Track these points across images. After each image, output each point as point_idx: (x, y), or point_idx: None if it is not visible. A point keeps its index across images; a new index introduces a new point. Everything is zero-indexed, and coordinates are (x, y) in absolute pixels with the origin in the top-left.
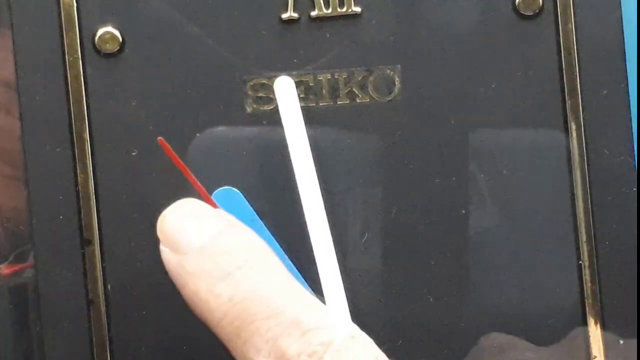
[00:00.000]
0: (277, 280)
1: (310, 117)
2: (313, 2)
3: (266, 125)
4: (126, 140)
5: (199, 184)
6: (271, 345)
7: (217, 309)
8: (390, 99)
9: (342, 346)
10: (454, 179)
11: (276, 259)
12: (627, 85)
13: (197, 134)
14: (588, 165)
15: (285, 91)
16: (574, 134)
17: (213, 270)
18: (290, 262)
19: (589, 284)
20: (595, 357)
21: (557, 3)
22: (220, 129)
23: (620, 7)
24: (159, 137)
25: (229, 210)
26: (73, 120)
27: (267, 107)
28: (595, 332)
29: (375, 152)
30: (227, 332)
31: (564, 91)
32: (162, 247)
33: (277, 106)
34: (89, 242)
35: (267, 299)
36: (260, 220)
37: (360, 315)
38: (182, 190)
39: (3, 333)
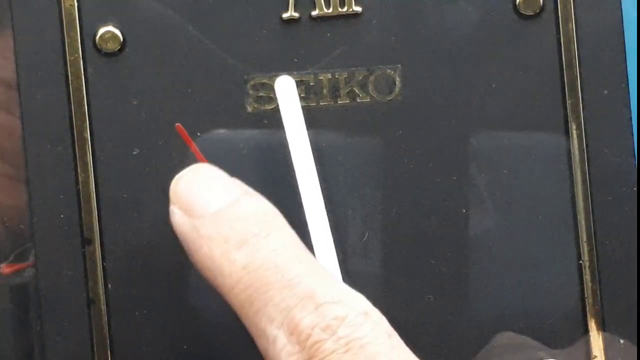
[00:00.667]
0: (294, 251)
1: (311, 117)
2: (314, 2)
3: (267, 125)
4: (127, 140)
5: None
6: (284, 315)
7: (231, 276)
8: (390, 98)
9: (356, 321)
10: (454, 178)
11: (292, 230)
12: (627, 85)
13: (198, 134)
14: (588, 165)
15: (286, 91)
16: (574, 134)
17: (229, 235)
18: None
19: (589, 284)
20: (595, 356)
21: (557, 3)
22: (221, 128)
23: (621, 7)
24: (177, 124)
25: None
26: (74, 119)
27: (267, 107)
28: (595, 332)
29: (376, 151)
30: (240, 300)
31: (565, 91)
32: (174, 210)
33: (277, 106)
34: (90, 241)
35: (283, 269)
36: None
37: None
38: None
39: (3, 332)
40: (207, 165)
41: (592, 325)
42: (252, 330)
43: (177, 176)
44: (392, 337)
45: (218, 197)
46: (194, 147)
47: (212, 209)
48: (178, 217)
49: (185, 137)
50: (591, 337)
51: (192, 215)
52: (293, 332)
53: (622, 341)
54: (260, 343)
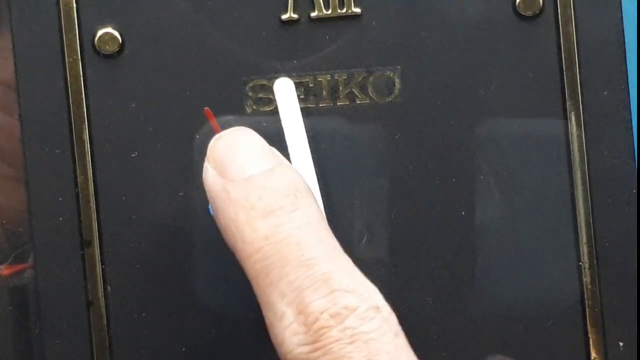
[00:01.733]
0: (318, 231)
1: (310, 118)
2: (313, 3)
3: (266, 127)
4: (126, 142)
5: None
6: (296, 294)
7: (251, 243)
8: (390, 100)
9: (365, 315)
10: (454, 180)
11: (320, 210)
12: (627, 86)
13: (197, 135)
14: (588, 166)
15: (285, 92)
16: (574, 135)
17: (256, 203)
18: None
19: (589, 286)
20: (594, 358)
21: (557, 4)
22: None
23: (621, 8)
24: (205, 108)
25: None
26: (73, 121)
27: (267, 108)
28: (595, 334)
29: (375, 153)
30: (255, 269)
31: (564, 92)
32: (208, 167)
33: (276, 107)
34: (89, 243)
35: (303, 247)
36: None
37: None
38: (182, 191)
39: (3, 333)
40: (248, 130)
41: (592, 327)
42: (262, 301)
43: (217, 135)
44: (398, 336)
45: (253, 163)
46: (215, 125)
47: (245, 174)
48: (211, 175)
49: (213, 123)
50: (590, 340)
51: (225, 176)
52: (302, 312)
53: (621, 343)
54: (267, 315)
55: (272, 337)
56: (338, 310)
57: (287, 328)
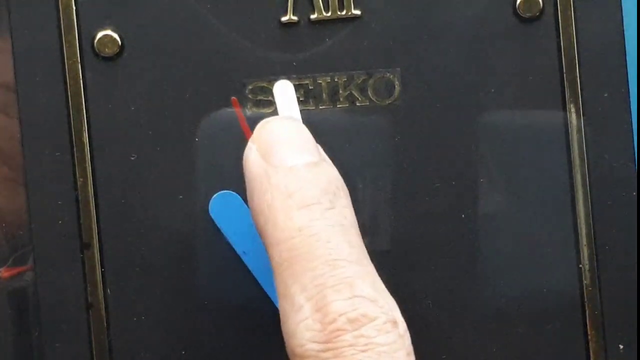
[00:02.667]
0: (350, 234)
1: (310, 121)
2: (313, 5)
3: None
4: (125, 144)
5: None
6: (318, 291)
7: (282, 231)
8: (390, 102)
9: (383, 327)
10: (454, 182)
11: (354, 214)
12: (627, 88)
13: (196, 138)
14: (588, 168)
15: (285, 94)
16: (575, 137)
17: (295, 194)
18: None
19: (589, 288)
20: None
21: (557, 6)
22: (220, 132)
23: (621, 10)
24: (232, 97)
25: (228, 213)
26: (72, 124)
27: (266, 110)
28: (594, 336)
29: (375, 155)
30: (281, 257)
31: (565, 94)
32: (252, 147)
33: (276, 109)
34: (88, 246)
35: (334, 246)
36: None
37: None
38: (182, 194)
39: (2, 336)
40: (298, 121)
41: (592, 330)
42: (280, 289)
43: (267, 119)
44: (409, 356)
45: (298, 154)
46: (245, 124)
47: (289, 163)
48: (254, 156)
49: (238, 113)
50: (590, 342)
51: (268, 160)
52: (320, 310)
53: (621, 346)
54: (283, 305)
55: (284, 327)
56: (357, 316)
57: (302, 322)
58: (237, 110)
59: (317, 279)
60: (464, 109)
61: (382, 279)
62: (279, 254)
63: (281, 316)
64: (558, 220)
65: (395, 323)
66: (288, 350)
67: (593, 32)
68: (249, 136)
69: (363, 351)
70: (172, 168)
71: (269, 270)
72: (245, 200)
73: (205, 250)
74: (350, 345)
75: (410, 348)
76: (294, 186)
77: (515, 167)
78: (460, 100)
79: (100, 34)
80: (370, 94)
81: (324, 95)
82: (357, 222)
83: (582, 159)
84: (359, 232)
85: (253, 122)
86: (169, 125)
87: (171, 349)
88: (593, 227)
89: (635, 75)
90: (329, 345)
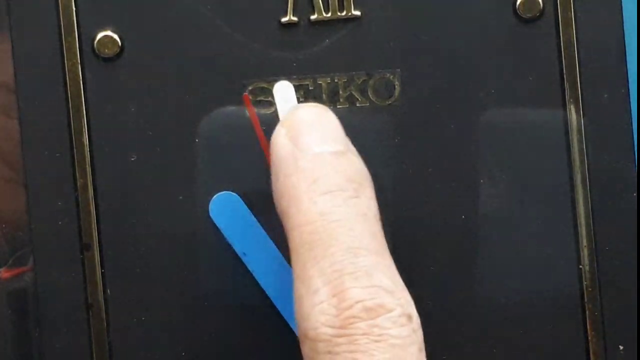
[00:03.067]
0: (372, 225)
1: None
2: (313, 6)
3: (266, 129)
4: (125, 145)
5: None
6: (337, 276)
7: (305, 214)
8: (390, 102)
9: (398, 320)
10: (454, 183)
11: (377, 207)
12: (627, 88)
13: (196, 139)
14: (588, 169)
15: (285, 95)
16: (575, 138)
17: (321, 179)
18: (289, 267)
19: (589, 289)
20: None
21: (557, 6)
22: (220, 132)
23: (622, 11)
24: (245, 93)
25: (228, 214)
26: (72, 124)
27: (266, 111)
28: (594, 337)
29: (375, 156)
30: (302, 239)
31: (565, 95)
32: (281, 130)
33: (276, 110)
34: (88, 247)
35: (356, 234)
36: (259, 225)
37: None
38: (182, 195)
39: (2, 337)
40: (329, 110)
41: (592, 330)
42: (297, 272)
43: (298, 105)
44: (421, 352)
45: (327, 141)
46: (256, 120)
47: (317, 148)
48: (282, 138)
49: (250, 110)
50: (590, 343)
51: (297, 144)
52: (337, 295)
53: (621, 347)
54: (298, 287)
55: (298, 309)
56: (373, 306)
57: (317, 305)
58: (248, 108)
59: (336, 264)
60: (464, 109)
61: None
62: (299, 236)
63: (295, 299)
64: (558, 220)
65: (410, 317)
66: (300, 333)
67: (593, 32)
68: (260, 133)
69: (376, 341)
70: (172, 169)
71: (269, 270)
72: (244, 201)
73: (205, 251)
74: (364, 334)
75: (423, 344)
76: (319, 172)
77: (516, 167)
78: (460, 100)
79: (100, 35)
80: (370, 95)
81: (324, 95)
82: (378, 213)
83: (582, 160)
84: (380, 225)
85: (253, 123)
86: (169, 126)
87: (171, 350)
88: (593, 227)
89: (635, 76)
90: (343, 331)
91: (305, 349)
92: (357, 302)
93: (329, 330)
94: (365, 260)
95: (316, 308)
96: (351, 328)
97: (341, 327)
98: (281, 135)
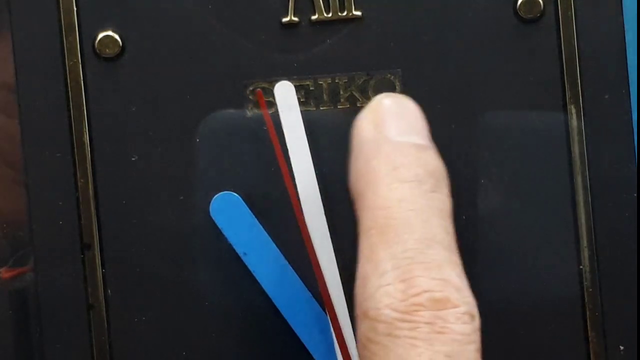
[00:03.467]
0: (446, 221)
1: (311, 122)
2: (313, 6)
3: (266, 130)
4: (126, 145)
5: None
6: (407, 263)
7: (382, 198)
8: None
9: (462, 317)
10: (454, 184)
11: (451, 205)
12: (628, 89)
13: (197, 139)
14: (589, 170)
15: (286, 95)
16: (575, 139)
17: (402, 167)
18: (289, 267)
19: (590, 290)
20: None
21: (558, 7)
22: (220, 132)
23: (622, 12)
24: (258, 89)
25: (229, 214)
26: (73, 124)
27: (267, 112)
28: (595, 338)
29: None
30: (375, 222)
31: (565, 96)
32: (367, 115)
33: (277, 110)
34: (89, 247)
35: (430, 227)
36: (259, 225)
37: None
38: (183, 195)
39: (3, 337)
40: (416, 105)
41: (592, 331)
42: (365, 252)
43: (386, 94)
44: (478, 352)
45: (412, 132)
46: (268, 117)
47: (401, 138)
48: (366, 123)
49: (263, 107)
50: (591, 344)
51: (381, 131)
52: (405, 280)
53: (622, 347)
54: (365, 266)
55: (360, 288)
56: (441, 298)
57: (383, 287)
58: (261, 103)
59: (408, 251)
60: (464, 110)
61: None
62: (373, 218)
63: (360, 278)
64: (558, 221)
65: (473, 317)
66: (359, 311)
67: (594, 33)
68: (273, 130)
69: (438, 333)
70: (172, 169)
71: (269, 270)
72: (245, 201)
73: (205, 251)
74: (428, 323)
75: (480, 346)
76: (401, 160)
77: (516, 168)
78: (460, 101)
79: (101, 35)
80: (371, 95)
81: (325, 96)
82: (451, 210)
83: (582, 160)
84: (452, 223)
85: (254, 123)
86: (170, 126)
87: (172, 350)
88: (593, 228)
89: (635, 77)
90: (408, 317)
91: (362, 328)
92: (424, 292)
93: (392, 313)
94: (437, 254)
95: (382, 289)
96: (415, 315)
97: (405, 312)
98: (366, 119)
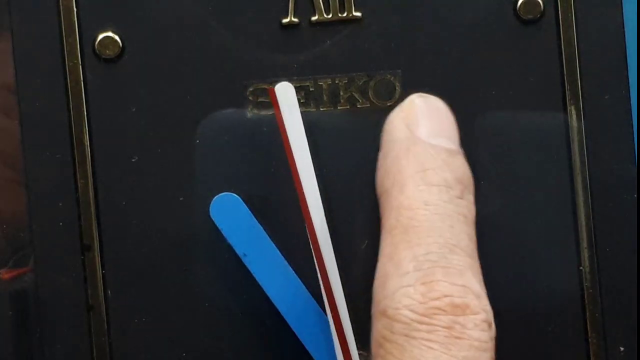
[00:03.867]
0: (470, 228)
1: (311, 122)
2: (313, 7)
3: (266, 131)
4: (126, 146)
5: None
6: (429, 266)
7: (408, 199)
8: (390, 104)
9: (480, 325)
10: None
11: (475, 213)
12: (628, 90)
13: (197, 140)
14: (589, 171)
15: (286, 96)
16: (575, 140)
17: (430, 170)
18: (289, 268)
19: (590, 290)
20: None
21: (558, 8)
22: (220, 133)
23: (622, 12)
24: (270, 87)
25: (229, 215)
26: (73, 125)
27: (267, 113)
28: (595, 338)
29: (376, 157)
30: (399, 220)
31: (565, 96)
32: (400, 114)
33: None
34: (89, 248)
35: (454, 233)
36: (259, 226)
37: (363, 321)
38: (183, 196)
39: (3, 338)
40: (448, 108)
41: (592, 332)
42: (387, 250)
43: (420, 94)
44: None
45: (443, 136)
46: (279, 115)
47: (433, 140)
48: (399, 122)
49: (275, 104)
50: (591, 344)
51: (413, 131)
52: (426, 284)
53: (622, 348)
54: (387, 265)
55: (380, 286)
56: (460, 304)
57: (404, 287)
58: (273, 101)
59: (431, 255)
60: (464, 111)
61: None
62: (397, 217)
63: (380, 276)
64: (558, 222)
65: (490, 325)
66: (377, 309)
67: (594, 34)
68: (283, 129)
69: (456, 338)
70: (172, 170)
71: (269, 271)
72: (245, 202)
73: (205, 252)
74: (446, 327)
75: (494, 355)
76: (431, 163)
77: (516, 168)
78: (460, 102)
79: (101, 36)
80: (370, 96)
81: (325, 97)
82: (474, 219)
83: (582, 161)
84: (475, 230)
85: (254, 124)
86: (170, 127)
87: (171, 351)
88: (593, 229)
89: (635, 77)
90: (426, 319)
91: (379, 326)
92: (445, 296)
93: (410, 314)
94: (460, 260)
95: (402, 290)
96: (434, 318)
97: (424, 315)
98: (398, 117)
